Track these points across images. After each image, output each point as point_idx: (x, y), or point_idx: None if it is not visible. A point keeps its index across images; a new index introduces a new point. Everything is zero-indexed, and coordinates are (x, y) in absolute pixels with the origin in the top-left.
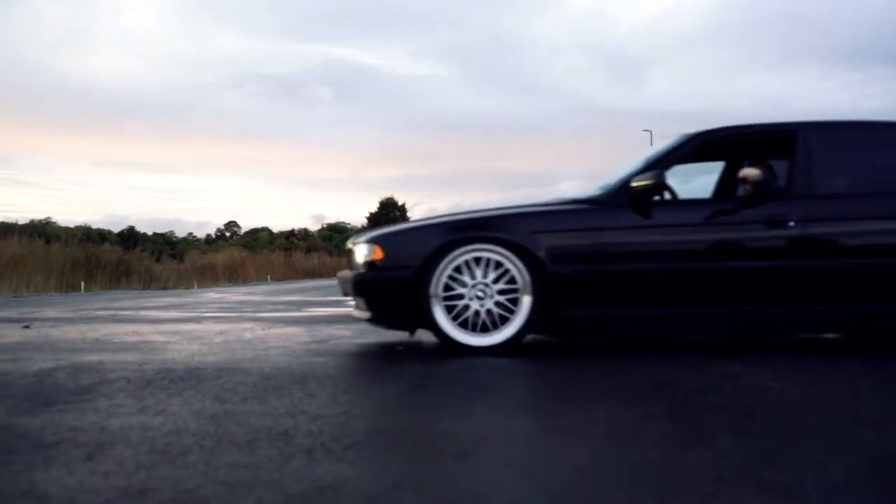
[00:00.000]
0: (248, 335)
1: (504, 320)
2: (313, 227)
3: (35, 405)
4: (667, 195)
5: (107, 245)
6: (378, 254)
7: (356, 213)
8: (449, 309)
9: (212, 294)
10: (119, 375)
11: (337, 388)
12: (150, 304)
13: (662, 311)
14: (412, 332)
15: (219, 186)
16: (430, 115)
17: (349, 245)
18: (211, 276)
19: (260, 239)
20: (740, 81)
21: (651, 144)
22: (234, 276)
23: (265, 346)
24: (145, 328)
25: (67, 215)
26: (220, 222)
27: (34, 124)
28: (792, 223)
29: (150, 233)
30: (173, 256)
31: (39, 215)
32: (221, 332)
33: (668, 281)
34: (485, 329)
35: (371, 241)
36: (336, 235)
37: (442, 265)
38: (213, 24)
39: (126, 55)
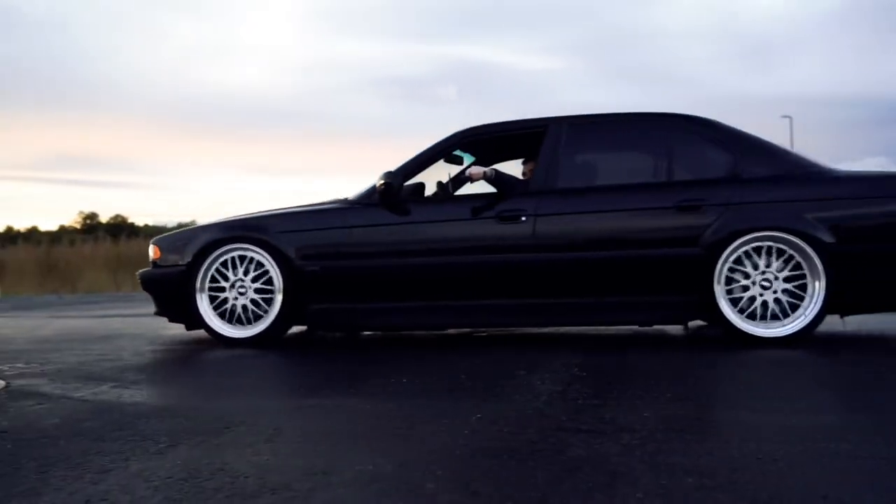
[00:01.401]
0: None
1: (260, 315)
2: None
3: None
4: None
5: None
6: (156, 253)
7: None
8: (214, 302)
9: None
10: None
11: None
12: None
13: (401, 305)
14: (188, 325)
15: (356, 188)
16: (558, 110)
17: None
18: None
19: None
20: (889, 62)
21: (790, 131)
22: None
23: None
24: None
25: (212, 218)
26: None
27: (174, 133)
28: (524, 218)
29: None
30: None
31: (185, 219)
32: None
33: (404, 276)
34: (249, 322)
35: (153, 242)
36: None
37: (207, 263)
38: (338, 29)
39: (260, 65)
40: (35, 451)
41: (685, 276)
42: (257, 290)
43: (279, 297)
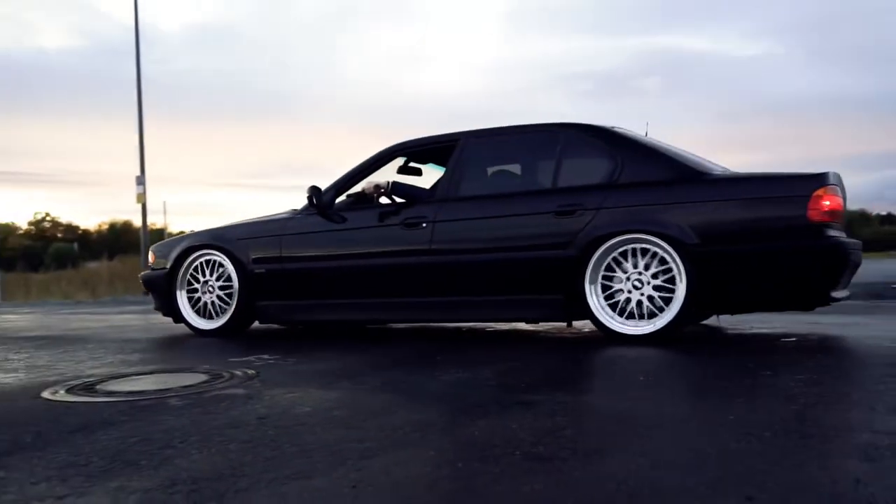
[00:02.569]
0: None
1: (223, 311)
2: None
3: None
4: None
5: None
6: (153, 258)
7: None
8: (192, 300)
9: None
10: None
11: None
12: None
13: (325, 302)
14: (174, 318)
15: None
16: (767, 98)
17: None
18: None
19: None
20: None
21: None
22: None
23: None
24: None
25: None
26: None
27: (373, 137)
28: (424, 224)
29: None
30: None
31: None
32: None
33: (327, 276)
34: (217, 316)
35: (151, 249)
36: None
37: (184, 266)
38: (529, 28)
39: (455, 67)
40: (295, 437)
41: (562, 277)
42: (221, 289)
43: (235, 296)
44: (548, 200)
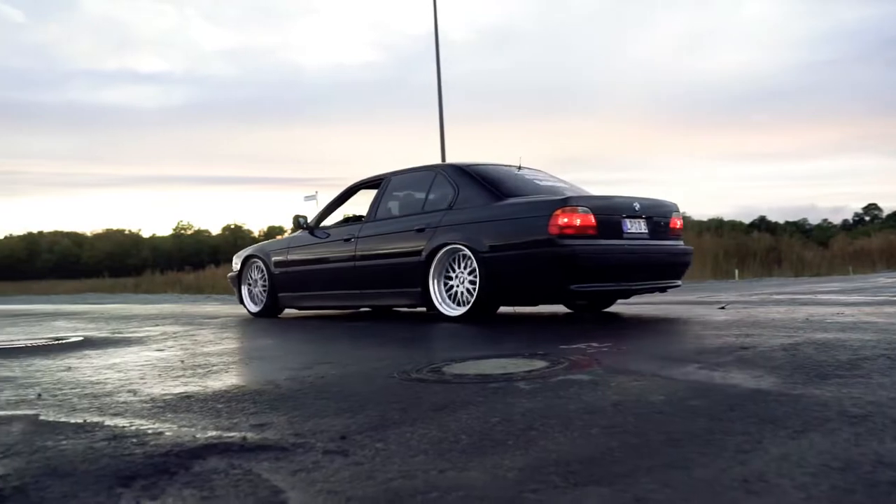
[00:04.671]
0: None
1: (260, 301)
2: None
3: (810, 377)
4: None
5: (755, 233)
6: (233, 264)
7: None
8: (249, 293)
9: (881, 279)
10: (875, 353)
11: None
12: (820, 289)
13: (310, 294)
14: (242, 304)
15: (853, 168)
16: None
17: None
18: (867, 262)
19: None
20: None
21: None
22: (892, 261)
23: None
24: (846, 310)
25: (700, 209)
26: (858, 206)
27: (658, 126)
28: (352, 239)
29: (781, 221)
30: (820, 244)
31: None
32: None
33: (306, 276)
34: (258, 304)
35: (234, 257)
36: None
37: (245, 271)
38: None
39: (746, 47)
40: (658, 426)
41: (418, 276)
42: (261, 286)
43: (267, 290)
44: (414, 222)
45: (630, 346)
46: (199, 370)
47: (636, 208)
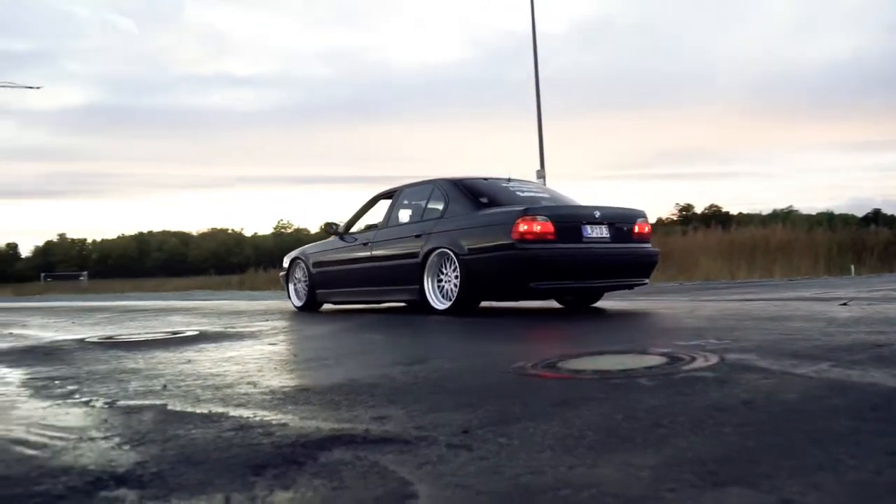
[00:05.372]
0: None
1: (303, 297)
2: None
3: None
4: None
5: (872, 227)
6: (285, 262)
7: None
8: (295, 289)
9: None
10: None
11: None
12: None
13: (341, 290)
14: (291, 300)
15: None
16: None
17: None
18: None
19: None
20: None
21: None
22: None
23: None
24: None
25: (808, 202)
26: None
27: (761, 116)
28: (368, 243)
29: None
30: None
31: (780, 205)
32: None
33: (338, 276)
34: (301, 299)
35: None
36: None
37: (291, 271)
38: None
39: (854, 31)
40: (796, 425)
41: (417, 275)
42: (303, 283)
43: (308, 288)
44: (414, 229)
45: (750, 344)
46: (313, 363)
47: (596, 216)
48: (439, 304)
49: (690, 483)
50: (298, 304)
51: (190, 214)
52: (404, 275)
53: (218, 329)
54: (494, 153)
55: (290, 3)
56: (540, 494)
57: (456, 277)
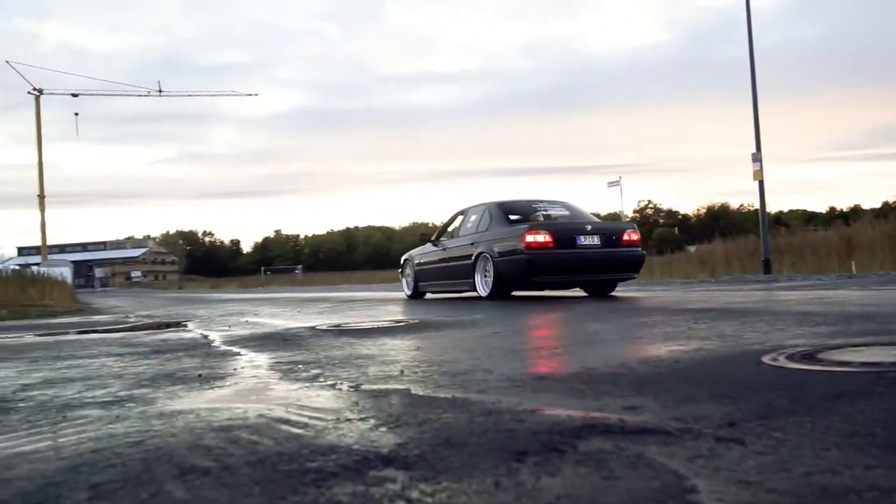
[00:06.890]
0: None
1: (410, 288)
2: None
3: None
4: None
5: None
6: (401, 261)
7: None
8: (407, 283)
9: None
10: None
11: None
12: None
13: (433, 282)
14: (404, 291)
15: None
16: None
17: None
18: None
19: None
20: None
21: None
22: None
23: None
24: None
25: None
26: None
27: None
28: (445, 248)
29: None
30: None
31: None
32: None
33: (431, 272)
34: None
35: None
36: None
37: (404, 268)
38: None
39: None
40: None
41: (471, 272)
42: (411, 278)
43: (414, 281)
44: (469, 239)
45: None
46: (543, 352)
47: (588, 229)
48: (483, 292)
49: None
50: (408, 293)
51: (392, 209)
52: (464, 271)
53: (439, 318)
54: (702, 138)
55: None
56: (842, 496)
57: (491, 274)
